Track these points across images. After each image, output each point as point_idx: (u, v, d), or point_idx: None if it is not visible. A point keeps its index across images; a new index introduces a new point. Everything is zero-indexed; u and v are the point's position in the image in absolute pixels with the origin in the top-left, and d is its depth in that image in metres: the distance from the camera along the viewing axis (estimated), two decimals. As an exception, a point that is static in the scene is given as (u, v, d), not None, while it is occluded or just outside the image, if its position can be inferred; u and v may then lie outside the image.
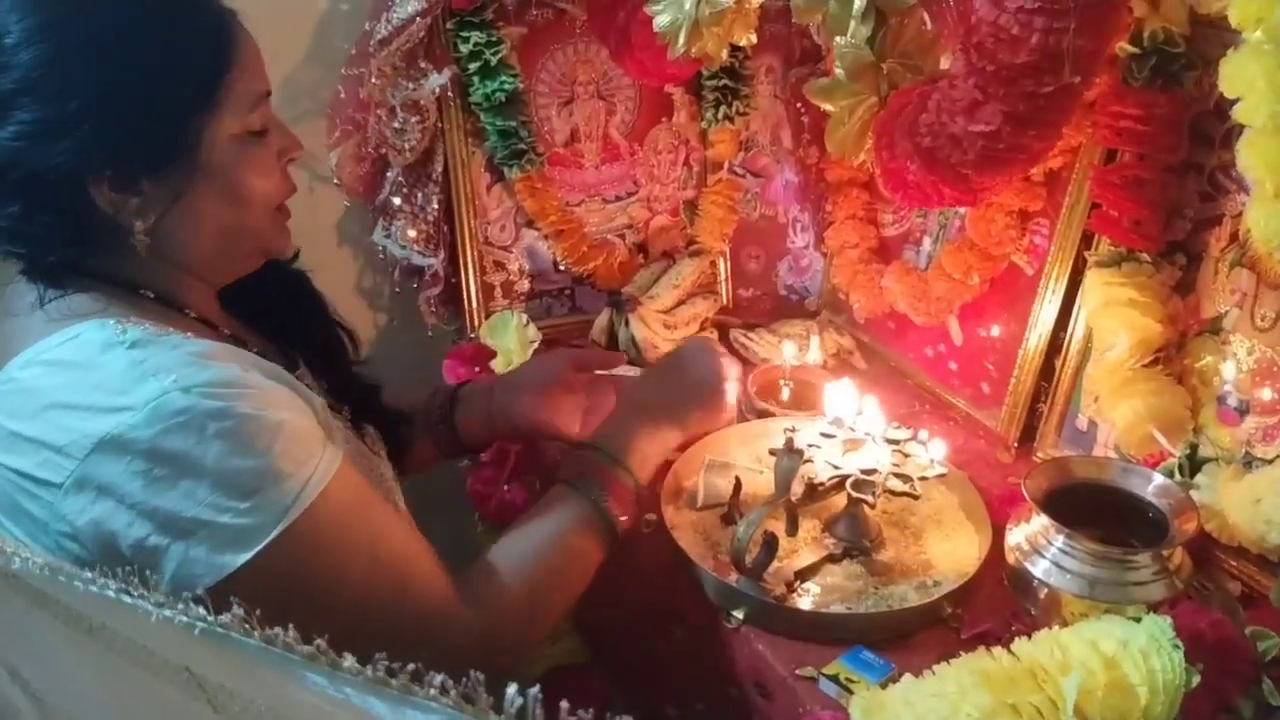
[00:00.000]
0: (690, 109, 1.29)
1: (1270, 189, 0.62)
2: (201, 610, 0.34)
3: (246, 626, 0.33)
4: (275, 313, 0.88)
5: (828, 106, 0.86)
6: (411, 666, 0.33)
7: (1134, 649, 0.73)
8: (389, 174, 1.22)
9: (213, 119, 0.71)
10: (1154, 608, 0.78)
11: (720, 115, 1.26)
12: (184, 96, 0.70)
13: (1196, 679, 0.73)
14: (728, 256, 1.32)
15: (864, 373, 1.21)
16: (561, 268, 1.26)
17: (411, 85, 1.17)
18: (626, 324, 1.17)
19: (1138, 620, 0.76)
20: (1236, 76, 0.62)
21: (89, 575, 0.37)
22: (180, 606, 0.34)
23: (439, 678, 0.33)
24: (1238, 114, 0.61)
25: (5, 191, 0.68)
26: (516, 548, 0.82)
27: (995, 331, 1.10)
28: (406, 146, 1.19)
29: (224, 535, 0.64)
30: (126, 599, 0.35)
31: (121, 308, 0.70)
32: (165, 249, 0.73)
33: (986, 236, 1.04)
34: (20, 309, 0.71)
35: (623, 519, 0.86)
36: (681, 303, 1.23)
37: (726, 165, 1.28)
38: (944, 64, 0.88)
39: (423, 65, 1.16)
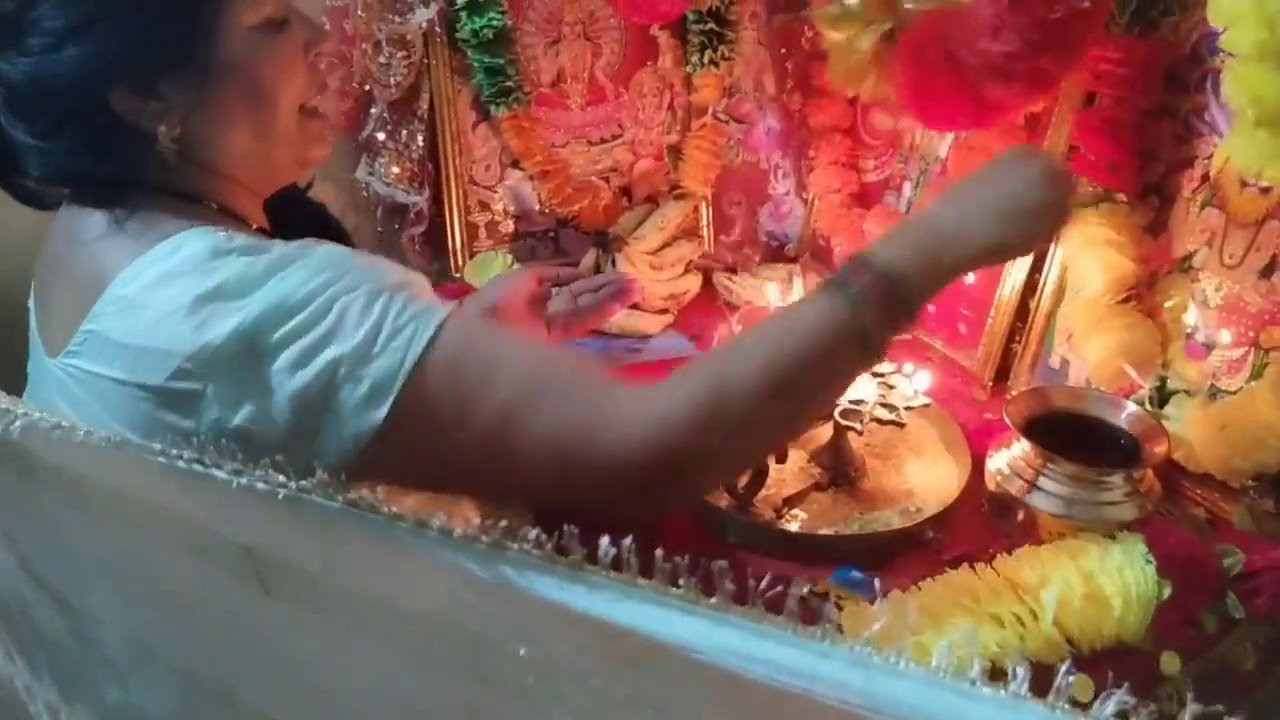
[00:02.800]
0: (675, 53, 1.29)
1: (1251, 116, 0.65)
2: (282, 477, 0.34)
3: (330, 490, 0.33)
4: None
5: (835, 35, 0.88)
6: (504, 523, 0.34)
7: (1110, 564, 0.77)
8: (373, 110, 1.20)
9: (226, 8, 0.69)
10: (1126, 527, 0.82)
11: (705, 60, 1.26)
12: None
13: (1168, 591, 0.78)
14: (710, 201, 1.33)
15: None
16: (546, 209, 1.26)
17: (398, 19, 1.16)
18: (613, 264, 1.18)
19: (1113, 538, 0.80)
20: (1224, 5, 0.65)
21: (157, 447, 0.37)
22: (259, 474, 0.34)
23: (533, 532, 0.34)
24: (1224, 42, 0.64)
25: (30, 110, 0.66)
26: (726, 346, 0.72)
27: (969, 274, 1.13)
28: (392, 82, 1.18)
29: (379, 361, 0.62)
30: (199, 468, 0.35)
31: (202, 219, 0.68)
32: (198, 155, 0.71)
33: (968, 179, 1.07)
34: (93, 233, 0.68)
35: (885, 333, 0.71)
36: (667, 245, 1.24)
37: (710, 110, 1.29)
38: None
39: (409, -1, 1.15)
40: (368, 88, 1.17)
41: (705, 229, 1.34)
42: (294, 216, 0.84)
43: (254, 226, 0.75)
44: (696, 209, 1.32)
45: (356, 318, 0.63)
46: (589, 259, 1.20)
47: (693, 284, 1.24)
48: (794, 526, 0.90)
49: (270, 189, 0.79)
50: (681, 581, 0.34)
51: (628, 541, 0.35)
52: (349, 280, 0.64)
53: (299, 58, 0.74)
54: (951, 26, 0.76)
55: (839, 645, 0.32)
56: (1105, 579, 0.77)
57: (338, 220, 0.91)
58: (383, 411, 0.62)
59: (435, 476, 0.69)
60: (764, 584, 0.35)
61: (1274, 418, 0.82)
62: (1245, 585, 0.81)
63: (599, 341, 1.17)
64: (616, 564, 0.36)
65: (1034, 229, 0.78)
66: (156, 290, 0.64)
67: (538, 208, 1.26)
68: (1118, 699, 0.30)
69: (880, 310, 0.70)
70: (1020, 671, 0.31)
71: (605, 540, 0.36)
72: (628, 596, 0.34)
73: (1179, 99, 0.94)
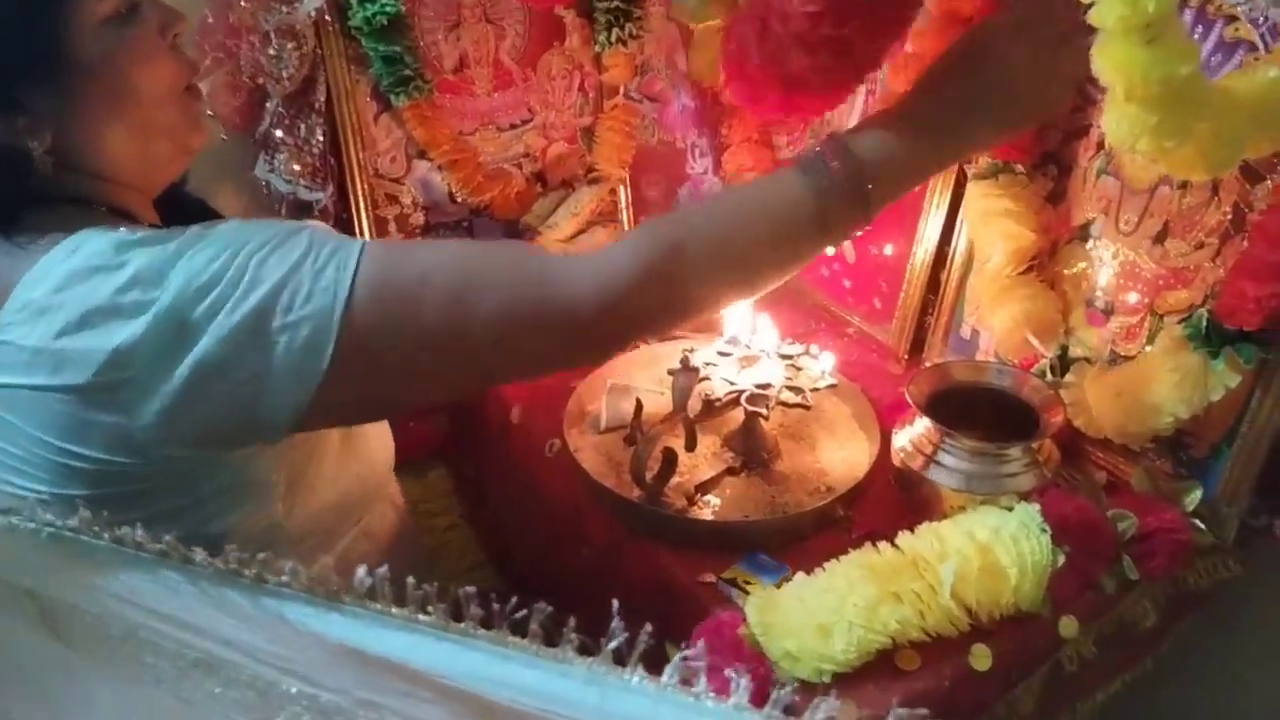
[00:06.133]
0: (583, 32, 1.26)
1: (1121, 91, 0.65)
2: (50, 516, 0.33)
3: (95, 529, 0.32)
4: None
5: (694, 25, 0.86)
6: (261, 556, 0.34)
7: (1005, 535, 0.79)
8: (268, 104, 1.16)
9: (71, 7, 0.66)
10: (1025, 497, 0.83)
11: (613, 38, 1.24)
12: None
13: (1062, 558, 0.79)
14: (628, 184, 1.32)
15: (763, 294, 1.23)
16: (457, 199, 1.24)
17: (285, 9, 1.12)
18: (525, 253, 1.16)
19: (1010, 509, 0.81)
20: (1089, -19, 0.64)
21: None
22: (25, 513, 0.33)
23: (289, 565, 0.33)
24: (1091, 17, 0.63)
25: None
26: (692, 207, 0.74)
27: (886, 249, 1.13)
28: (284, 75, 1.14)
29: (315, 301, 0.62)
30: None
31: (95, 223, 0.67)
32: (78, 163, 0.69)
33: (873, 154, 1.06)
34: None
35: (847, 222, 0.73)
36: (581, 231, 1.22)
37: (622, 90, 1.27)
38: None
39: (297, -14, 1.11)
40: (260, 82, 1.13)
41: (624, 212, 1.32)
42: (183, 215, 0.83)
43: (147, 224, 0.74)
44: (614, 192, 1.31)
45: (274, 268, 0.63)
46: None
47: (609, 269, 1.23)
48: (706, 514, 0.90)
49: (158, 185, 0.78)
50: (431, 609, 0.34)
51: (382, 570, 0.35)
52: (257, 240, 0.64)
53: (157, 44, 0.72)
54: (770, 4, 0.75)
55: (576, 665, 0.32)
56: (1001, 550, 0.78)
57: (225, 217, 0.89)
58: (328, 351, 0.62)
59: (391, 396, 0.70)
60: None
61: (1165, 383, 0.83)
62: (1140, 547, 0.83)
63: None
64: (373, 593, 0.35)
65: (1031, 105, 0.76)
66: (67, 290, 0.63)
67: (449, 198, 1.24)
68: (827, 706, 0.31)
69: (846, 200, 0.72)
70: (743, 684, 0.31)
71: (361, 570, 0.35)
72: (382, 625, 0.34)
73: (1073, 66, 0.94)
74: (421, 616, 0.33)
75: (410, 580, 0.34)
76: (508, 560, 1.16)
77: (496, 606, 0.34)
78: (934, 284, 1.08)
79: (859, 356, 1.12)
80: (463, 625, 0.33)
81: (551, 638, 0.33)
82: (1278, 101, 0.69)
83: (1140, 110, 0.65)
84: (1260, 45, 0.80)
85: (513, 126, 1.27)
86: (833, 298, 1.20)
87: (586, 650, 0.33)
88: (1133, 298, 0.91)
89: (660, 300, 0.69)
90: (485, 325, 0.65)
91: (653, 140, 1.32)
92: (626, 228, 1.32)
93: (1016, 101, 0.75)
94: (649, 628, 0.34)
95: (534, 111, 1.27)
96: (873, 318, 1.15)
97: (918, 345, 1.10)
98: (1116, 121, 0.67)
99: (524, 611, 0.34)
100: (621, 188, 1.31)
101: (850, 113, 1.12)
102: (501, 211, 1.24)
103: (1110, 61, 0.65)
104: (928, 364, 1.09)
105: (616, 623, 0.33)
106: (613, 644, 0.32)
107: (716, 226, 0.71)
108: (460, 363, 0.68)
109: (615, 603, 0.35)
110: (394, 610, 0.33)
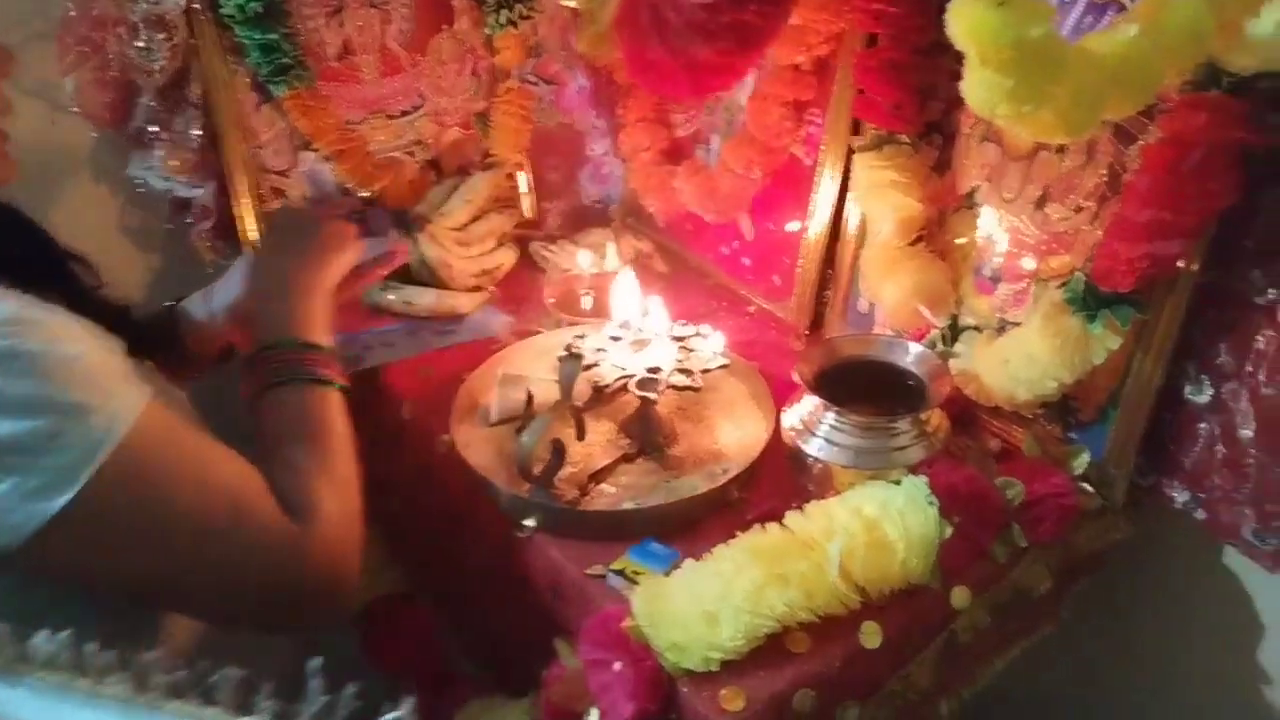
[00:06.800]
0: (473, 14, 1.23)
1: (976, 57, 0.64)
2: None
3: None
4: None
5: (571, 4, 0.84)
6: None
7: (892, 509, 0.78)
8: (140, 99, 1.11)
9: None
10: (914, 469, 0.82)
11: (504, 20, 1.21)
12: None
13: (949, 530, 0.79)
14: (527, 168, 1.29)
15: (665, 275, 1.22)
16: (347, 191, 1.20)
17: (152, -2, 1.07)
18: (417, 244, 1.13)
19: (898, 483, 0.81)
20: (938, -56, 0.63)
21: None
22: None
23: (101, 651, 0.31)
24: (943, -19, 0.62)
25: None
26: (291, 458, 0.78)
27: (783, 225, 1.12)
28: (155, 68, 1.09)
29: (36, 480, 0.62)
30: None
31: None
32: None
33: (764, 129, 1.05)
34: None
35: (341, 381, 0.86)
36: (476, 218, 1.19)
37: (516, 73, 1.24)
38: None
39: (164, -26, 1.06)
40: (130, 76, 1.08)
41: (525, 197, 1.30)
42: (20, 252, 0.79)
43: None
44: (512, 177, 1.28)
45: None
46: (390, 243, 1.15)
47: (507, 257, 1.20)
48: (600, 505, 0.88)
49: None
50: (114, 678, 0.31)
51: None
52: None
53: None
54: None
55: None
56: (889, 525, 0.77)
57: (65, 249, 0.85)
58: (59, 502, 0.63)
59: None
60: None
61: (1047, 348, 0.83)
62: (1028, 514, 0.83)
63: (408, 325, 1.12)
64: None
65: (306, 253, 0.93)
66: None
67: (339, 189, 1.20)
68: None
69: (310, 365, 0.84)
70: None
71: (42, 634, 0.32)
72: (62, 699, 0.31)
73: (953, 33, 0.93)
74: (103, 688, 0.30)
75: (91, 647, 0.31)
76: (412, 560, 1.13)
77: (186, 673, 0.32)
78: (830, 258, 1.07)
79: (760, 334, 1.11)
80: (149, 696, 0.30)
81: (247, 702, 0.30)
82: (1137, 61, 0.68)
83: (996, 75, 0.64)
84: (1129, 5, 0.79)
85: (403, 113, 1.23)
86: (733, 276, 1.18)
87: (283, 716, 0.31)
88: (1018, 264, 0.91)
89: (345, 543, 0.77)
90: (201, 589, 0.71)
91: (551, 123, 1.29)
92: (528, 213, 1.29)
93: (307, 242, 0.94)
94: (351, 689, 0.32)
95: (425, 97, 1.24)
96: (773, 295, 1.13)
97: (818, 321, 1.10)
98: (974, 87, 0.66)
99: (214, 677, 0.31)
100: (521, 173, 1.28)
101: (742, 84, 1.10)
102: (394, 201, 1.20)
103: (963, 26, 0.64)
104: (828, 338, 1.08)
105: (314, 684, 0.30)
106: (313, 709, 0.30)
107: (304, 461, 0.78)
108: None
109: (313, 664, 0.32)
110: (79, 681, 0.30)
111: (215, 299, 0.97)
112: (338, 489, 0.78)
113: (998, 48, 0.63)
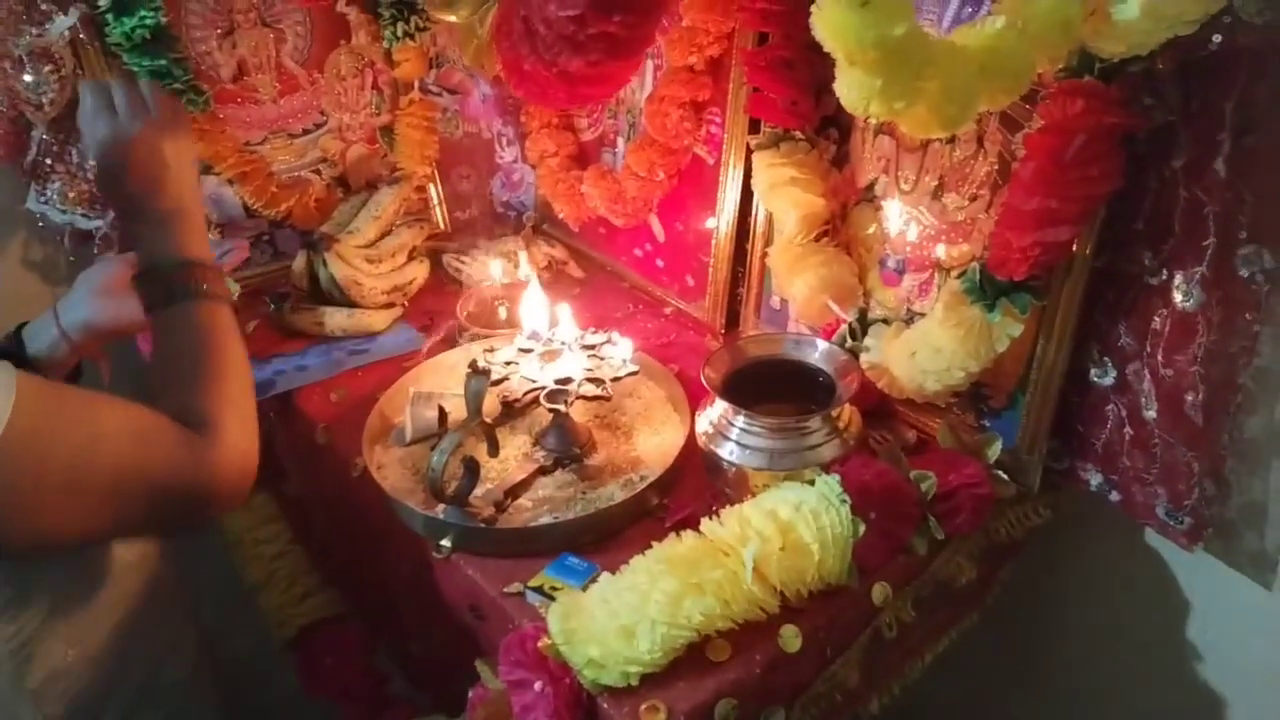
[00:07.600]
0: (369, 28, 1.21)
1: (843, 58, 0.64)
2: None
3: None
4: None
5: (450, 19, 0.82)
6: None
7: (805, 510, 0.77)
8: (34, 132, 1.08)
9: None
10: (828, 468, 0.82)
11: (401, 32, 1.19)
12: None
13: (863, 528, 0.78)
14: (437, 180, 1.27)
15: (581, 280, 1.21)
16: (253, 213, 1.17)
17: (36, 31, 1.04)
18: (325, 264, 1.11)
19: (812, 483, 0.80)
20: (799, -53, 0.63)
21: None
22: None
23: None
24: (806, -16, 0.62)
25: None
26: (188, 375, 0.82)
27: (693, 225, 1.12)
28: (45, 101, 1.06)
29: None
30: None
31: None
32: None
33: (664, 130, 1.04)
34: None
35: (228, 292, 0.90)
36: (385, 234, 1.17)
37: (418, 84, 1.22)
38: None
39: (44, 6, 1.03)
40: (20, 110, 1.05)
41: (436, 208, 1.28)
42: None
43: None
44: (422, 189, 1.26)
45: None
46: (299, 262, 1.12)
47: (419, 271, 1.19)
48: (517, 521, 0.87)
49: None
50: None
51: None
52: None
53: None
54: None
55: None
56: (803, 526, 0.77)
57: None
58: None
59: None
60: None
61: (950, 338, 0.83)
62: (943, 506, 0.84)
63: (320, 347, 1.10)
64: None
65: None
66: None
67: (244, 212, 1.17)
68: None
69: (199, 278, 0.86)
70: None
71: None
72: None
73: (844, 27, 0.93)
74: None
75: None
76: (342, 583, 1.11)
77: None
78: (741, 256, 1.07)
79: (678, 335, 1.11)
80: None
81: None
82: (1006, 52, 0.69)
83: (864, 74, 0.64)
84: (1004, -7, 0.80)
85: (305, 132, 1.21)
86: (648, 278, 1.18)
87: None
88: (922, 255, 0.91)
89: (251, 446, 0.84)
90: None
91: (457, 133, 1.28)
92: (442, 225, 1.28)
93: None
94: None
95: (326, 114, 1.21)
96: (687, 295, 1.13)
97: (733, 319, 1.09)
98: (845, 87, 0.66)
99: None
100: (431, 185, 1.27)
101: (641, 86, 1.09)
102: (302, 221, 1.18)
103: (827, 27, 0.64)
104: (745, 335, 1.08)
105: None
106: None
107: (203, 377, 0.83)
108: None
109: None
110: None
111: (64, 317, 0.94)
112: (234, 399, 0.83)
113: (862, 48, 0.63)
